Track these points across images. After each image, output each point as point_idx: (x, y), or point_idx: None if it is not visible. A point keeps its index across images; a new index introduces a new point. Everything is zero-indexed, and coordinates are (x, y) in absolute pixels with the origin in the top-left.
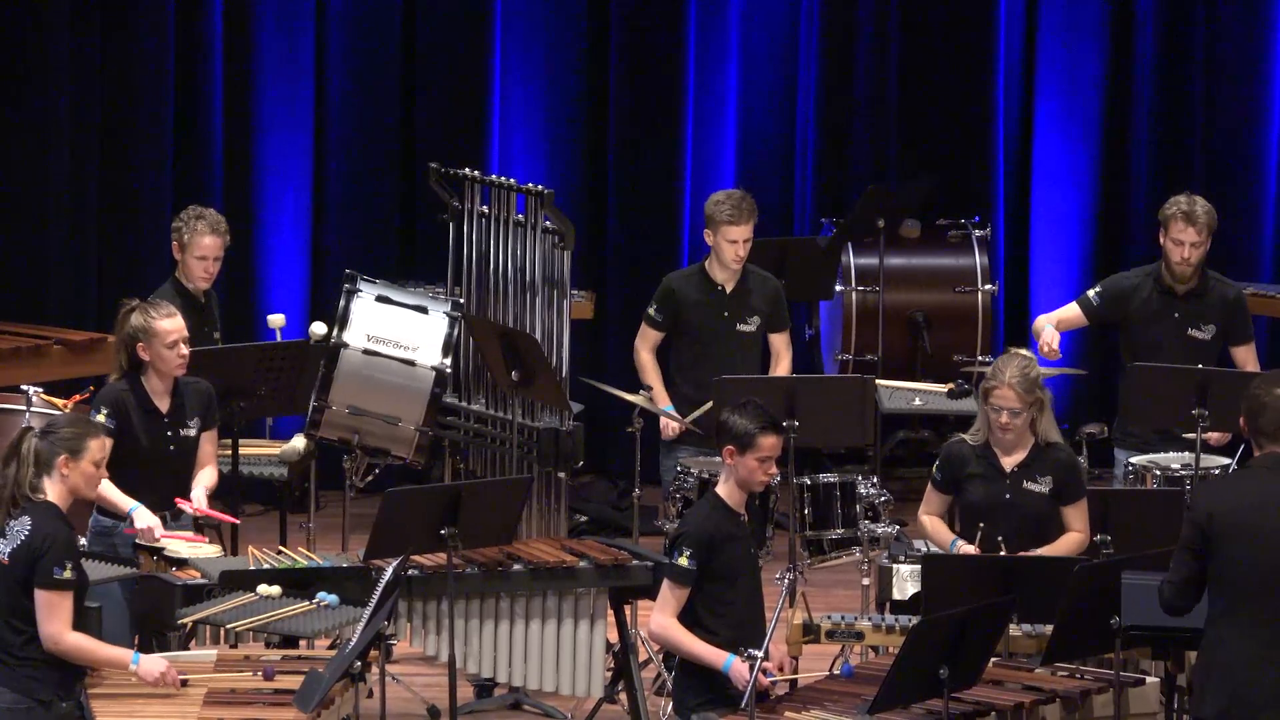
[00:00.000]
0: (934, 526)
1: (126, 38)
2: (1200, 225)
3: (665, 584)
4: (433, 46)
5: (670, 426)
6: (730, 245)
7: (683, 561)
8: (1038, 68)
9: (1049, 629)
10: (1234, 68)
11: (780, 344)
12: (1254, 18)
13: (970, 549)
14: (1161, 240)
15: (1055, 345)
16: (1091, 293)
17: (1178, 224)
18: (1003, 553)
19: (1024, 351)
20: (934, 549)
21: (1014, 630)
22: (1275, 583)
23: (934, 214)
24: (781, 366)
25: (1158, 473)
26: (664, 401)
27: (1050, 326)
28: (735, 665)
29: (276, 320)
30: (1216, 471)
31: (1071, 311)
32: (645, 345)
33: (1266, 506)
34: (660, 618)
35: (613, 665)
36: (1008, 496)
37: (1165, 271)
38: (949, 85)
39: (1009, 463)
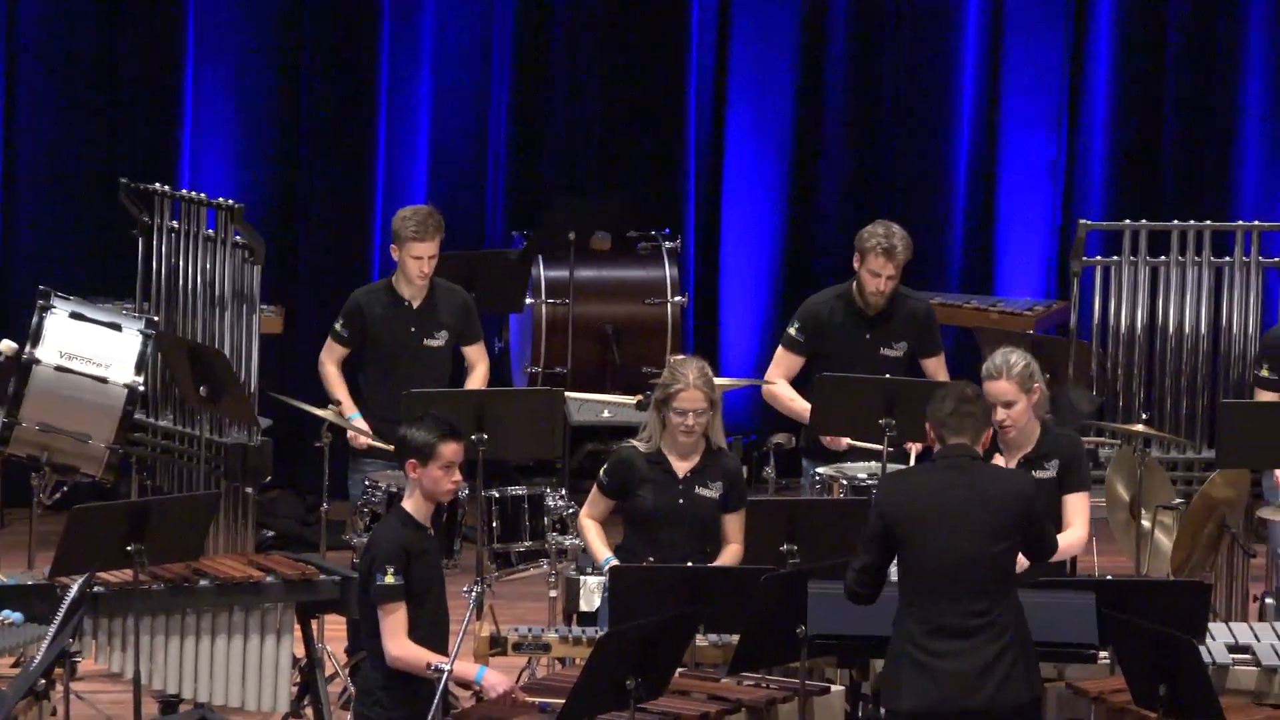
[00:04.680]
0: (593, 532)
1: None
2: (898, 261)
3: (381, 611)
4: (125, 58)
5: (359, 439)
6: (415, 261)
7: (389, 580)
8: (729, 78)
9: (735, 639)
10: (924, 79)
11: (475, 355)
12: (943, 29)
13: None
14: (856, 266)
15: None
16: (792, 330)
17: (876, 258)
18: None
19: (690, 356)
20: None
21: (701, 640)
22: (959, 575)
23: (625, 226)
24: (477, 377)
25: (844, 482)
26: (351, 410)
27: (790, 400)
28: (488, 675)
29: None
30: None
31: (785, 359)
32: (330, 359)
33: (948, 502)
34: (394, 647)
35: (299, 680)
36: (681, 502)
37: (857, 295)
38: (641, 97)
39: (682, 468)
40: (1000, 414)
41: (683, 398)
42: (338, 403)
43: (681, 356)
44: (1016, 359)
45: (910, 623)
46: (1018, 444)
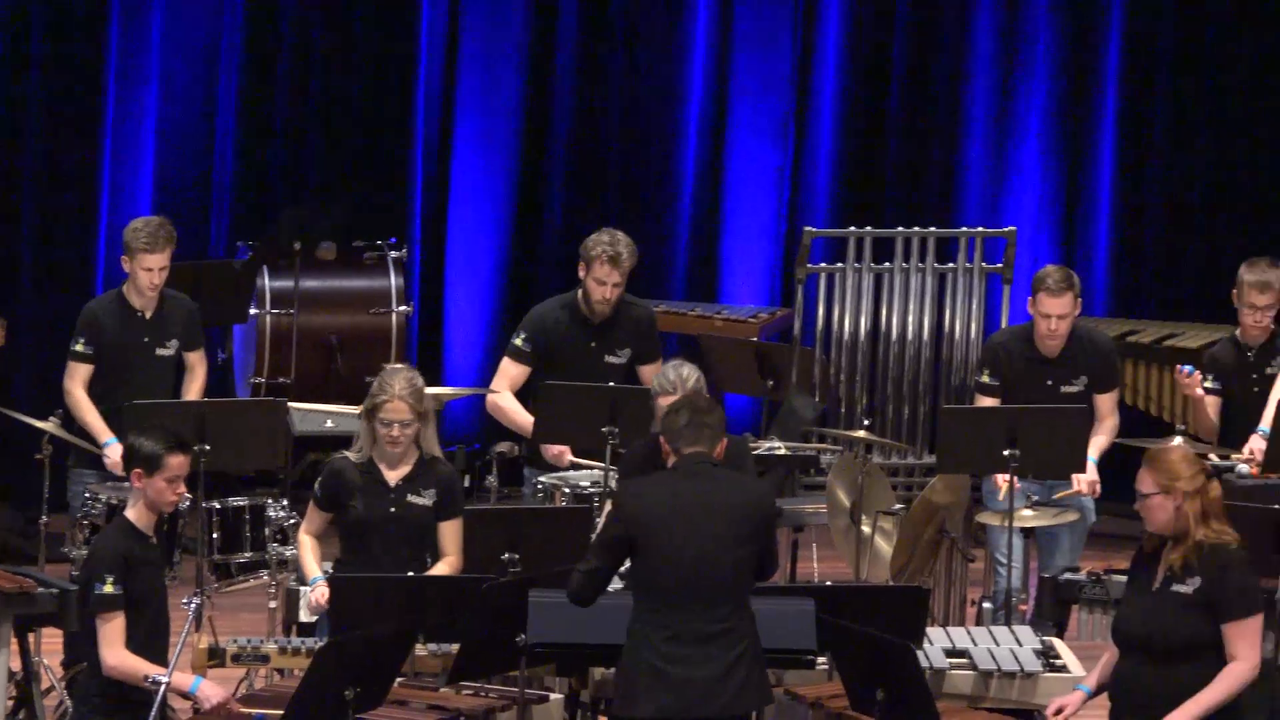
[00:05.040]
0: (307, 548)
1: None
2: (624, 269)
3: (99, 620)
4: None
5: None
6: (146, 273)
7: (108, 589)
8: (457, 89)
9: (455, 648)
10: (652, 87)
11: (195, 360)
12: (672, 37)
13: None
14: (582, 274)
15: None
16: (518, 340)
17: (602, 266)
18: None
19: (405, 365)
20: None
21: (420, 650)
22: (699, 582)
23: (351, 236)
24: (197, 383)
25: (567, 490)
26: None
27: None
28: (203, 686)
29: None
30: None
31: (511, 369)
32: (76, 383)
33: (688, 509)
34: (110, 657)
35: (14, 695)
36: (392, 510)
37: (583, 303)
38: (368, 108)
39: (393, 476)
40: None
41: (388, 409)
42: (100, 446)
43: (394, 366)
44: (688, 372)
45: (648, 629)
46: None
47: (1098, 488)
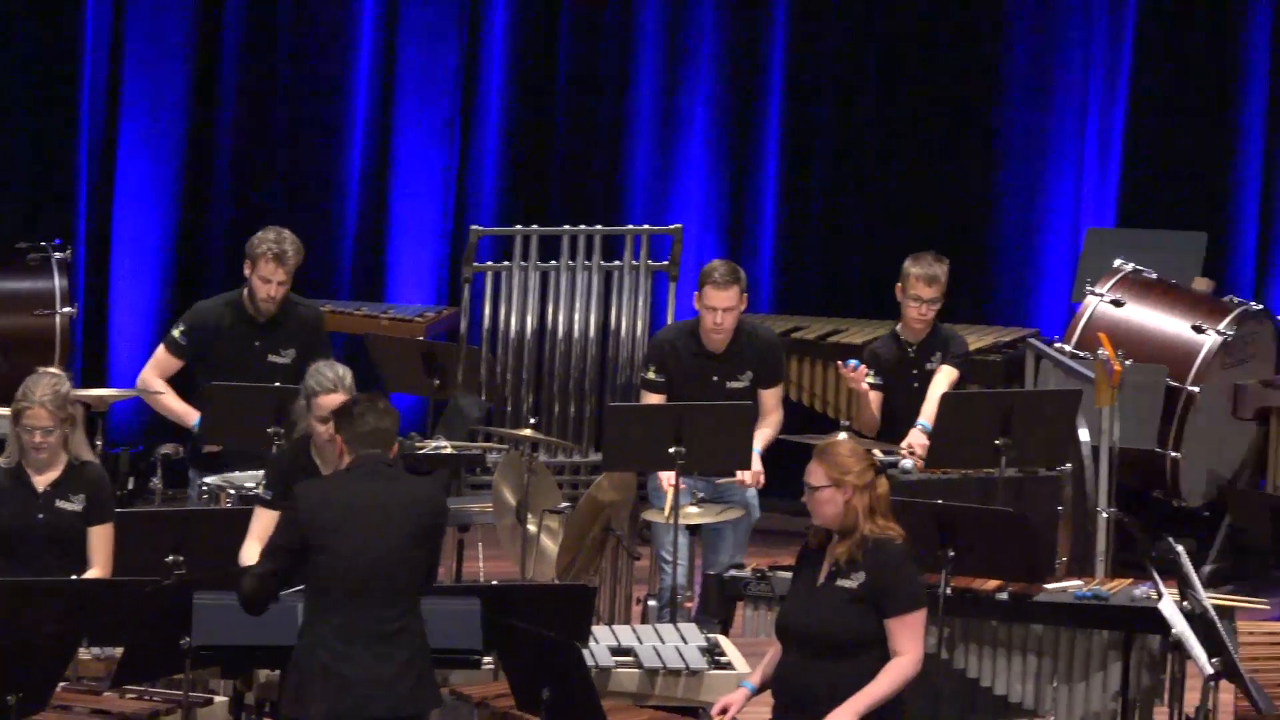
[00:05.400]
0: None
1: None
2: (288, 266)
3: None
4: None
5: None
6: None
7: None
8: (122, 90)
9: (119, 651)
10: (318, 85)
11: None
12: (337, 34)
13: None
14: (248, 273)
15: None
16: (176, 332)
17: (268, 264)
18: None
19: (53, 370)
20: None
21: (84, 654)
22: (375, 581)
23: (13, 237)
24: None
25: (232, 491)
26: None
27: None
28: None
29: None
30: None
31: (165, 359)
32: None
33: (364, 508)
34: None
35: None
36: (40, 516)
37: (248, 302)
38: (33, 107)
39: (41, 482)
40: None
41: (29, 415)
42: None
43: (42, 371)
44: (343, 370)
45: (322, 629)
46: None
47: (761, 478)
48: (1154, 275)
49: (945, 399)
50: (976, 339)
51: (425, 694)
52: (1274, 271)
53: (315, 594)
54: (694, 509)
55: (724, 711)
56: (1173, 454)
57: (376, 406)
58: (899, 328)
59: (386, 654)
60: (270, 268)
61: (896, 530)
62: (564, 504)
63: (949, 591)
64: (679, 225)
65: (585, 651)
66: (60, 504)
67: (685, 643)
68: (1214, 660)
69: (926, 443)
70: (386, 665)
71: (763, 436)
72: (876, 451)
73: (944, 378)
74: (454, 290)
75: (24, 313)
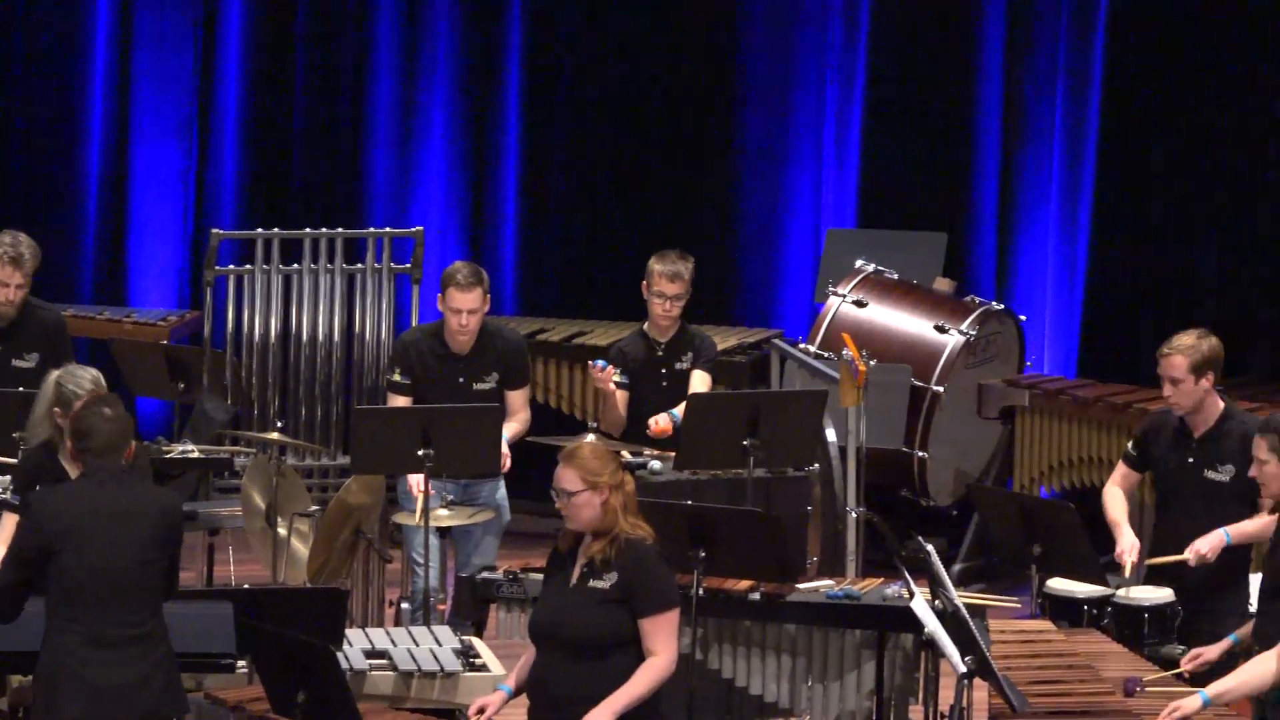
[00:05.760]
0: None
1: None
2: (26, 270)
3: None
4: None
5: None
6: None
7: None
8: None
9: None
10: (52, 88)
11: None
12: (71, 36)
13: None
14: None
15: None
16: None
17: (3, 267)
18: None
19: None
20: None
21: None
22: (115, 587)
23: None
24: None
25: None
26: None
27: None
28: None
29: None
30: None
31: None
32: None
33: (103, 514)
34: None
35: None
36: None
37: None
38: None
39: None
40: None
41: None
42: None
43: None
44: (96, 374)
45: (67, 636)
46: None
47: (508, 462)
48: (895, 276)
49: (692, 400)
50: (721, 340)
51: (172, 699)
52: (1014, 271)
53: (58, 601)
54: (444, 511)
55: (481, 712)
56: (920, 453)
57: (103, 412)
58: (646, 326)
59: (135, 658)
60: (6, 271)
61: (646, 530)
62: (314, 507)
63: (701, 592)
64: (420, 228)
65: (339, 654)
66: None
67: (439, 645)
68: (967, 659)
69: (668, 427)
70: (133, 669)
71: (510, 429)
72: (625, 453)
73: (699, 383)
74: (196, 293)
75: None
